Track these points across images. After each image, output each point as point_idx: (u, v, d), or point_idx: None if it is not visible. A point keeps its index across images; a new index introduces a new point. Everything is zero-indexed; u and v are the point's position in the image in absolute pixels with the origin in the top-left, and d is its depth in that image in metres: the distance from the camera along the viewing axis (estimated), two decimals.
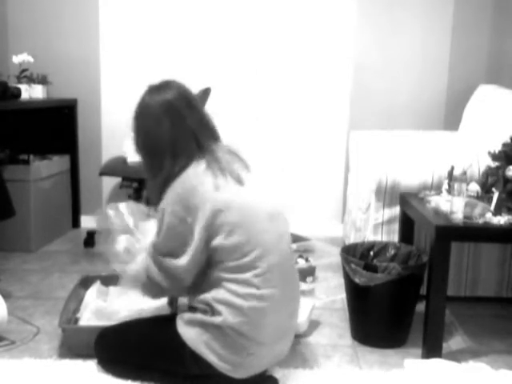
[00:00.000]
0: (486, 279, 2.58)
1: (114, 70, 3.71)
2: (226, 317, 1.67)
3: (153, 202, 1.81)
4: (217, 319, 1.68)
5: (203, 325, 1.70)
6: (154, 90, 1.80)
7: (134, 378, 1.85)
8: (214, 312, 1.69)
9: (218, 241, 1.66)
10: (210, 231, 1.66)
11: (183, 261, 1.69)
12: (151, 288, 1.79)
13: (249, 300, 1.67)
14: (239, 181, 1.72)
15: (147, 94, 1.81)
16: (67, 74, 3.71)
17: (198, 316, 1.71)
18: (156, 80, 1.86)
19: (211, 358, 1.70)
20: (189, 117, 1.75)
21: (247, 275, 1.67)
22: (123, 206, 1.94)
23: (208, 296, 1.70)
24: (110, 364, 1.91)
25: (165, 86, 1.80)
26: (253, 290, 1.67)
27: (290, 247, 1.83)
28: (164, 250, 1.73)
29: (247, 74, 3.69)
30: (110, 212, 1.92)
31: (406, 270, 2.10)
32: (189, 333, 1.72)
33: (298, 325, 2.20)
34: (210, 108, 3.65)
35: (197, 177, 1.69)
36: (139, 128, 1.81)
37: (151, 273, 1.76)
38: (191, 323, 1.73)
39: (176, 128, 1.73)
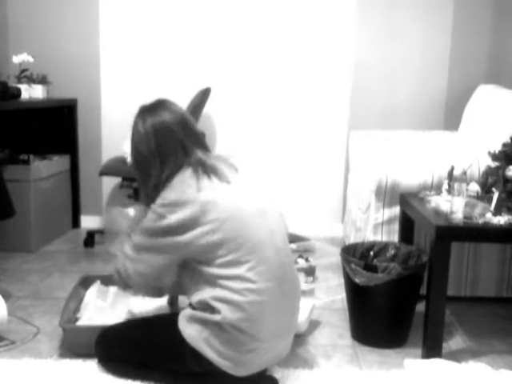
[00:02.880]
0: (486, 279, 2.58)
1: (113, 70, 3.71)
2: (225, 314, 1.68)
3: (143, 204, 1.91)
4: (216, 317, 1.69)
5: (203, 322, 1.71)
6: (147, 111, 1.88)
7: (134, 377, 1.86)
8: (213, 310, 1.70)
9: (205, 238, 1.69)
10: (200, 232, 1.69)
11: (158, 240, 1.75)
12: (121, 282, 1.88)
13: (246, 295, 1.68)
14: (225, 180, 1.77)
15: (140, 114, 1.89)
16: (67, 73, 3.71)
17: (198, 313, 1.72)
18: (148, 100, 1.93)
19: (211, 356, 1.70)
20: (182, 137, 1.83)
21: (241, 270, 1.69)
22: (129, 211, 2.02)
23: (206, 296, 1.72)
24: (110, 363, 1.92)
25: (158, 107, 1.88)
26: (249, 285, 1.69)
27: (286, 243, 1.83)
28: (142, 246, 1.79)
29: (247, 74, 3.69)
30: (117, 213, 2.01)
31: (406, 270, 2.10)
32: (189, 330, 1.73)
33: (298, 325, 2.20)
34: (210, 108, 3.68)
35: (183, 181, 1.75)
36: (132, 145, 1.90)
37: (125, 249, 1.85)
38: (191, 321, 1.73)
39: (165, 144, 1.82)
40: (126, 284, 1.88)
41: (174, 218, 1.71)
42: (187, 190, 1.72)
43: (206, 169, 1.77)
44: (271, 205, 1.86)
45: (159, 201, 1.76)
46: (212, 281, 1.71)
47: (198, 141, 1.87)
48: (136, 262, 1.81)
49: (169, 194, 1.75)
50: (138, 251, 1.80)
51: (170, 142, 1.82)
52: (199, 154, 1.82)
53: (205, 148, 1.88)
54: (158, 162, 1.82)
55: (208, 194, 1.72)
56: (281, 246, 1.78)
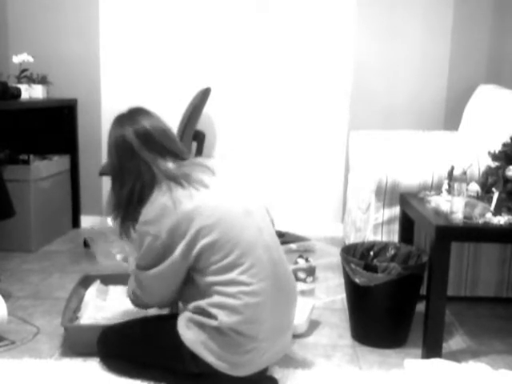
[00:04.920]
0: (486, 279, 2.58)
1: (114, 70, 3.71)
2: (221, 319, 1.68)
3: (107, 214, 1.95)
4: (213, 322, 1.69)
5: (201, 325, 1.71)
6: (117, 121, 1.87)
7: (135, 376, 1.86)
8: (210, 316, 1.70)
9: (198, 247, 1.69)
10: (190, 242, 1.69)
11: (154, 270, 1.75)
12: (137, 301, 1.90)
13: (241, 298, 1.68)
14: (204, 186, 1.74)
15: (112, 124, 1.88)
16: (67, 73, 3.71)
17: (196, 317, 1.72)
18: (125, 109, 1.91)
19: (210, 359, 1.70)
20: (142, 152, 1.80)
21: (233, 274, 1.69)
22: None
23: (202, 303, 1.72)
24: (112, 362, 1.92)
25: (126, 119, 1.85)
26: (243, 288, 1.68)
27: (274, 239, 1.83)
28: (143, 264, 1.79)
29: (247, 74, 3.69)
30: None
31: (406, 270, 2.10)
32: (187, 334, 1.73)
33: (298, 325, 2.20)
34: (210, 108, 3.68)
35: (162, 196, 1.72)
36: None
37: (132, 286, 1.86)
38: (190, 324, 1.74)
39: (125, 160, 1.81)
40: (146, 308, 1.93)
41: (163, 234, 1.70)
42: (166, 205, 1.70)
43: (178, 179, 1.74)
44: (255, 202, 1.84)
45: (142, 218, 1.75)
46: (208, 288, 1.71)
47: (168, 152, 1.83)
48: (147, 297, 1.82)
49: (148, 210, 1.73)
50: (144, 288, 1.81)
51: (130, 158, 1.80)
52: (169, 165, 1.80)
53: (177, 156, 1.85)
54: (118, 178, 1.83)
55: (187, 204, 1.70)
56: (270, 243, 1.78)
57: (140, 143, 1.80)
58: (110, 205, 1.88)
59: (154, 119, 1.86)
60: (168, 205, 1.70)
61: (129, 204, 1.81)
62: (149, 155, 1.80)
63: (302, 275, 2.78)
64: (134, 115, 1.86)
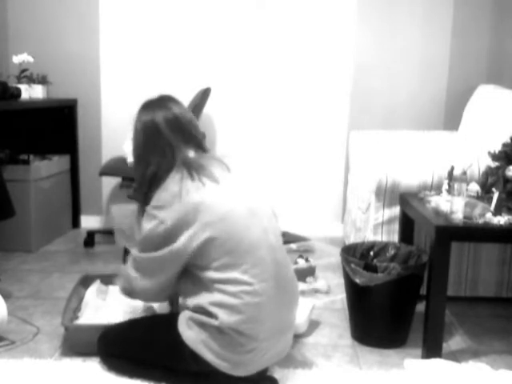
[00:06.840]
0: (486, 279, 2.58)
1: (114, 70, 3.71)
2: (222, 318, 1.68)
3: (135, 198, 1.97)
4: (214, 321, 1.69)
5: (202, 324, 1.71)
6: (147, 106, 1.90)
7: (135, 376, 1.86)
8: (210, 315, 1.70)
9: (199, 241, 1.69)
10: (193, 234, 1.70)
11: (153, 254, 1.76)
12: (128, 286, 1.89)
13: (242, 297, 1.68)
14: (215, 180, 1.76)
15: (139, 109, 1.92)
16: (67, 73, 3.71)
17: (197, 316, 1.72)
18: (152, 94, 1.95)
19: (210, 357, 1.71)
20: (169, 136, 1.83)
21: (235, 273, 1.69)
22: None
23: (203, 301, 1.72)
24: (111, 361, 1.92)
25: (154, 104, 1.89)
26: (244, 287, 1.69)
27: (279, 240, 1.84)
28: (143, 247, 1.80)
29: (247, 74, 3.69)
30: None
31: (405, 270, 2.10)
32: (188, 332, 1.73)
33: (298, 325, 2.20)
34: (210, 108, 3.68)
35: (175, 184, 1.75)
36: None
37: (127, 269, 1.87)
38: (190, 323, 1.74)
39: (152, 142, 1.84)
40: (135, 299, 1.93)
41: (168, 220, 1.71)
42: (177, 194, 1.72)
43: (191, 170, 1.76)
44: (263, 203, 1.85)
45: (153, 202, 1.77)
46: (209, 285, 1.71)
47: (192, 140, 1.86)
48: (140, 281, 1.82)
49: (160, 195, 1.76)
50: (140, 270, 1.81)
51: (157, 141, 1.83)
52: (189, 154, 1.83)
53: (200, 148, 1.88)
54: (143, 159, 1.84)
55: (195, 196, 1.71)
56: (274, 244, 1.78)
57: (168, 127, 1.83)
58: (136, 185, 1.92)
59: (182, 107, 1.91)
60: (178, 194, 1.72)
61: (152, 184, 1.82)
62: (174, 139, 1.83)
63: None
64: (164, 101, 1.90)
